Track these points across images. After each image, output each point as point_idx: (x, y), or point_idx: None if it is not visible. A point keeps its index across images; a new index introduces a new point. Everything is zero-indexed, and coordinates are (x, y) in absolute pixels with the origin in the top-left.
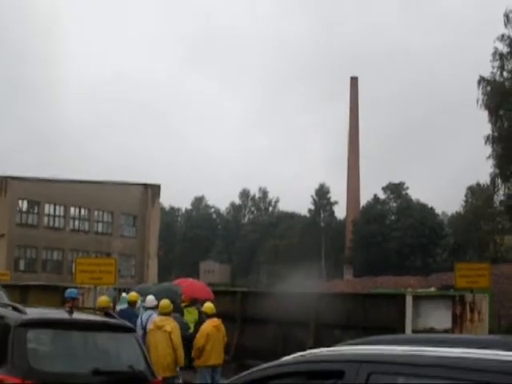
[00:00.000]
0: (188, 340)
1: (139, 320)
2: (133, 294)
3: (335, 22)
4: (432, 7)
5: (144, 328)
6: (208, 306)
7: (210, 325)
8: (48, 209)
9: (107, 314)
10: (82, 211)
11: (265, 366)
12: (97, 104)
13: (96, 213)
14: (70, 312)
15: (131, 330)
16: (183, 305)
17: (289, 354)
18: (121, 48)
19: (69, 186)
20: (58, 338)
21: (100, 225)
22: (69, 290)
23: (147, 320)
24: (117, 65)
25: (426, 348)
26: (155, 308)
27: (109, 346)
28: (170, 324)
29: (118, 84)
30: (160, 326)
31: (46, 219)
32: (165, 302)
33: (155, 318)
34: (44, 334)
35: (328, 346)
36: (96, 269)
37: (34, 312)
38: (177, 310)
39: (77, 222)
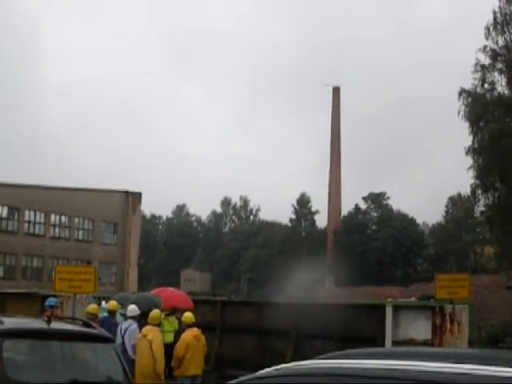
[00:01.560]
0: (168, 349)
1: (119, 329)
2: (112, 303)
3: (319, 31)
4: (414, 18)
5: (123, 337)
6: (187, 315)
7: (189, 335)
8: (28, 215)
9: (86, 324)
10: (63, 218)
11: (241, 379)
12: (78, 109)
13: (77, 220)
14: (49, 321)
15: (110, 340)
16: (163, 314)
17: (269, 365)
18: (104, 51)
19: (49, 193)
20: (36, 348)
21: (80, 232)
22: (48, 299)
23: (126, 329)
24: (100, 69)
25: (403, 362)
26: (135, 317)
27: (87, 356)
28: (153, 333)
29: (100, 88)
30: (144, 334)
31: (26, 226)
32: (155, 313)
33: (145, 327)
34: (21, 343)
35: (308, 357)
36: (75, 277)
37: (11, 322)
38: None
39: (57, 229)
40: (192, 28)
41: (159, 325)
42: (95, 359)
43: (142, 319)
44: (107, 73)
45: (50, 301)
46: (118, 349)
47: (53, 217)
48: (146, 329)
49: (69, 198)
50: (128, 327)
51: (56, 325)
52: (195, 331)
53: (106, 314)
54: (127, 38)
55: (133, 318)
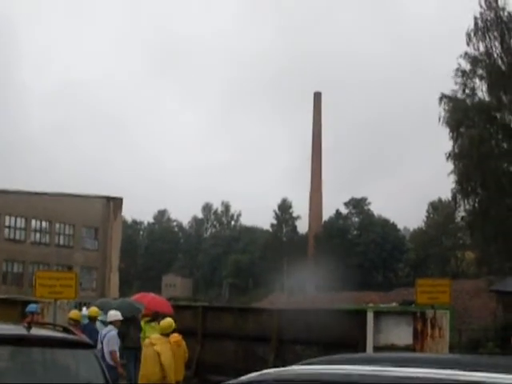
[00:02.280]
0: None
1: (99, 335)
2: (93, 310)
3: (300, 35)
4: (397, 23)
5: (102, 342)
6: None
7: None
8: (9, 221)
9: (66, 330)
10: (44, 223)
11: None
12: (58, 114)
13: (57, 225)
14: (29, 328)
15: (91, 347)
16: (146, 319)
17: (250, 370)
18: (84, 56)
19: (30, 198)
20: (16, 354)
21: (61, 237)
22: (29, 305)
23: (105, 335)
24: (80, 74)
25: (384, 368)
26: (116, 323)
27: (68, 362)
28: (162, 344)
29: (81, 93)
30: (153, 343)
31: (6, 231)
32: (167, 322)
33: (153, 335)
34: (0, 350)
35: (290, 363)
36: (56, 283)
37: None
38: (137, 326)
39: (38, 235)
40: (172, 34)
41: (168, 335)
42: (76, 365)
43: (125, 325)
44: (87, 78)
45: (31, 307)
46: (99, 355)
47: (33, 222)
48: (155, 338)
49: (50, 204)
50: (107, 333)
51: (36, 331)
52: (176, 337)
53: (87, 321)
54: (108, 43)
55: (113, 323)
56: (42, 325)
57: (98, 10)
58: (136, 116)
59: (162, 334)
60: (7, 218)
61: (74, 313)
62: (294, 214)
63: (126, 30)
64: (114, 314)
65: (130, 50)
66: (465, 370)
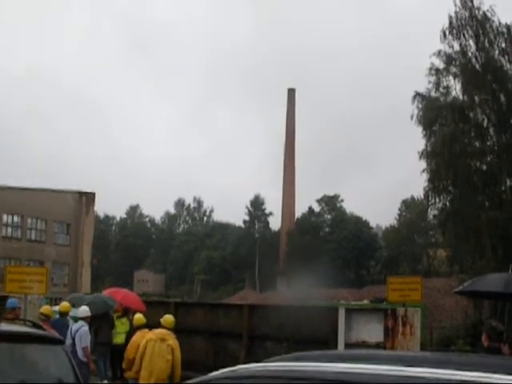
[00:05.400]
0: (119, 351)
1: (69, 330)
2: (64, 305)
3: (276, 30)
4: (373, 20)
5: (73, 338)
6: (137, 317)
7: (140, 336)
8: None
9: (35, 325)
10: (15, 218)
11: (191, 381)
12: (26, 102)
13: (29, 220)
14: None
15: (60, 342)
16: (116, 315)
17: (221, 366)
18: (49, 43)
19: (1, 193)
20: None
21: (33, 232)
22: (10, 301)
23: (77, 330)
24: (46, 62)
25: (355, 365)
26: (87, 319)
27: (36, 358)
28: (173, 340)
29: (51, 82)
30: (163, 338)
31: None
32: (169, 317)
33: (157, 330)
34: None
35: (261, 359)
36: (27, 278)
37: None
38: (109, 322)
39: (9, 229)
40: (147, 23)
41: (173, 330)
42: (45, 361)
43: (97, 321)
44: (58, 67)
45: (12, 302)
46: (69, 351)
47: (5, 217)
48: (163, 332)
49: (21, 198)
50: (79, 329)
51: (5, 326)
52: (146, 332)
53: (57, 316)
54: (80, 29)
55: (83, 319)
56: (12, 320)
57: None
58: (108, 109)
59: (168, 329)
60: None
61: (45, 308)
62: (267, 211)
63: (99, 17)
64: (85, 310)
65: (103, 38)
66: (435, 368)
